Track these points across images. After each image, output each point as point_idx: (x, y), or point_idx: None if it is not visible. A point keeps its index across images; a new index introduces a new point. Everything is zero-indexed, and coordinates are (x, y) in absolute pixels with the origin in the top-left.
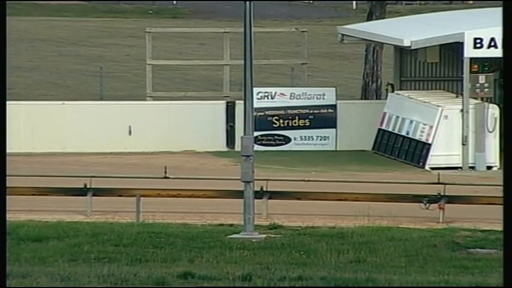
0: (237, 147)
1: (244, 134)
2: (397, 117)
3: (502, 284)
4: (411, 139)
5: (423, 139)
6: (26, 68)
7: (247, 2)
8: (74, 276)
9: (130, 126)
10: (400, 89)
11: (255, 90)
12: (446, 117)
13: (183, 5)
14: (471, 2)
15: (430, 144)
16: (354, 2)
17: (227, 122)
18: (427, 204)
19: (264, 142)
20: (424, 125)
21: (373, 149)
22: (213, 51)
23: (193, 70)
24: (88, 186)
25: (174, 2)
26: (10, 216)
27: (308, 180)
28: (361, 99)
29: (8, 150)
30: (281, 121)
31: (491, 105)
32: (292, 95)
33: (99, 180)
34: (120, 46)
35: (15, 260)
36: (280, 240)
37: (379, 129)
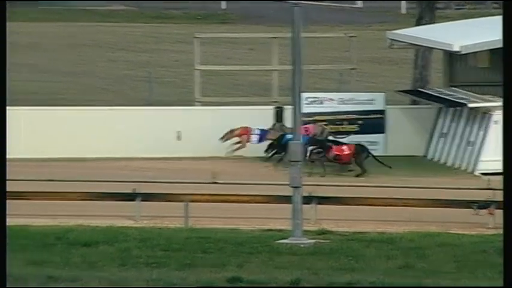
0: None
1: (293, 139)
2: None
3: (502, 284)
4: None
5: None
6: (75, 73)
7: (296, 8)
8: (123, 281)
9: (179, 132)
10: None
11: (304, 95)
12: (496, 122)
13: (231, 10)
14: None
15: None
16: (404, 7)
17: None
18: (477, 210)
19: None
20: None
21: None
22: (261, 57)
23: (242, 75)
24: (137, 191)
25: (223, 7)
26: (60, 221)
27: (357, 186)
28: (411, 104)
29: (58, 156)
30: (329, 126)
31: None
32: (341, 100)
33: (147, 185)
34: (168, 51)
35: (65, 264)
36: (328, 245)
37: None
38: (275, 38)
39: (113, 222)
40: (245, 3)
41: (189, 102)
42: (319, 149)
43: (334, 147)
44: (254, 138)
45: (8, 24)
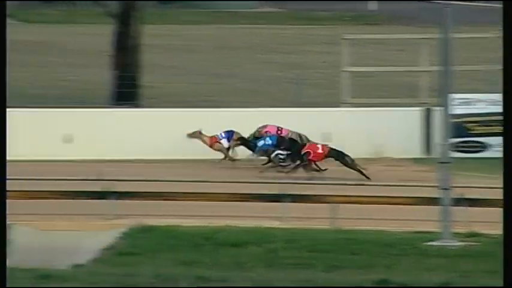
0: (434, 154)
1: (442, 141)
2: None
3: (502, 284)
4: None
5: None
6: (224, 75)
7: (446, 8)
8: (271, 282)
9: (326, 133)
10: None
11: (453, 96)
12: None
13: (381, 11)
14: None
15: None
16: None
17: (424, 129)
18: None
19: (461, 149)
20: None
21: None
22: (411, 58)
23: (390, 76)
24: (285, 193)
25: (371, 8)
26: (209, 222)
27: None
28: None
29: (203, 157)
30: (479, 128)
31: None
32: (492, 101)
33: (294, 186)
34: (316, 53)
35: (214, 264)
36: (478, 248)
37: None
38: (425, 38)
39: (260, 223)
40: (395, 5)
41: (336, 103)
42: (288, 152)
43: (307, 145)
44: (224, 142)
45: (160, 26)
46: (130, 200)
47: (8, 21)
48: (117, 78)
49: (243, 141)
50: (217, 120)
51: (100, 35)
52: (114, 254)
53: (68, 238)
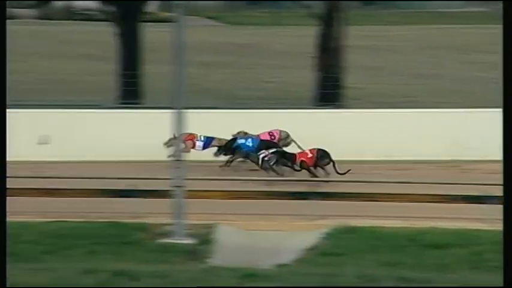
0: None
1: None
2: None
3: (502, 283)
4: None
5: None
6: (428, 75)
7: None
8: (474, 284)
9: None
10: None
11: None
12: None
13: None
14: None
15: None
16: None
17: None
18: None
19: None
20: None
21: None
22: None
23: None
24: (487, 194)
25: None
26: (412, 223)
27: None
28: None
29: (414, 158)
30: None
31: None
32: None
33: (495, 187)
34: None
35: (416, 265)
36: None
37: None
38: None
39: (464, 224)
40: None
41: None
42: (277, 156)
43: (298, 153)
44: (199, 144)
45: (364, 27)
46: (333, 201)
47: (213, 23)
48: (321, 80)
49: (224, 150)
50: (419, 120)
51: (304, 37)
52: (318, 254)
53: (271, 238)
